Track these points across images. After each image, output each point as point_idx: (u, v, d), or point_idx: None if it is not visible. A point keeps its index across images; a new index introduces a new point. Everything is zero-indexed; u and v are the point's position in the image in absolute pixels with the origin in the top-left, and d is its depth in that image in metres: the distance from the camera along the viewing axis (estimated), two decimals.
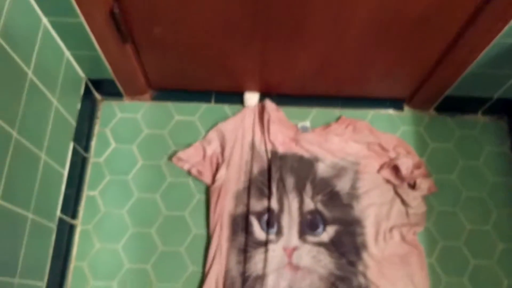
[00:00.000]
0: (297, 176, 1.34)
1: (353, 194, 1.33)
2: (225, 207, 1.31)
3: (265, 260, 1.24)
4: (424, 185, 1.32)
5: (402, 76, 1.34)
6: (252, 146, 1.38)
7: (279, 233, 1.27)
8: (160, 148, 1.41)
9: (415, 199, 1.31)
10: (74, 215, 1.32)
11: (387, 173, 1.35)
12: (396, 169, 1.33)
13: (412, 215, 1.31)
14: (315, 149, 1.38)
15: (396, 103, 1.48)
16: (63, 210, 1.25)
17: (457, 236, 1.33)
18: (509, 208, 1.36)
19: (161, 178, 1.37)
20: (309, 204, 1.31)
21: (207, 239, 1.31)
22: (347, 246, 1.27)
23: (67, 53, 1.22)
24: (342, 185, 1.34)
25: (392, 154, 1.37)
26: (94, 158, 1.40)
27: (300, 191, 1.32)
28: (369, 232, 1.29)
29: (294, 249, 1.25)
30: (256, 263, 1.24)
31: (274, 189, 1.31)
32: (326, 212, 1.30)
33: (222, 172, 1.34)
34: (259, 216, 1.29)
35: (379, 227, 1.30)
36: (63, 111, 1.22)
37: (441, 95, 1.38)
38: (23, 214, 1.04)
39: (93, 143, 1.42)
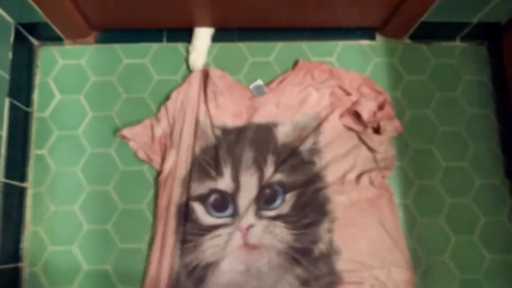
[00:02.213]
0: (256, 149, 1.21)
1: (315, 149, 1.23)
2: (172, 198, 1.19)
3: (217, 245, 1.14)
4: (389, 127, 1.22)
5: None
6: (196, 122, 1.23)
7: (235, 214, 1.17)
8: (110, 96, 1.28)
9: (381, 143, 1.22)
10: (22, 178, 1.21)
11: (348, 120, 1.25)
12: (357, 115, 1.23)
13: (381, 161, 1.23)
14: (272, 112, 1.25)
15: (368, 33, 1.34)
16: (9, 174, 1.15)
17: (432, 174, 1.27)
18: (486, 141, 1.29)
19: (114, 130, 1.26)
20: (269, 178, 1.19)
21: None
22: (309, 206, 1.18)
23: None
24: (305, 145, 1.23)
25: (354, 98, 1.26)
26: (38, 113, 1.27)
27: (260, 165, 1.20)
28: (333, 184, 1.20)
29: (249, 227, 1.15)
30: (204, 251, 1.14)
31: (225, 169, 1.19)
32: (285, 179, 1.20)
33: (170, 160, 1.20)
34: (203, 199, 1.18)
35: (344, 177, 1.21)
36: None
37: (416, 21, 1.24)
38: None
39: (35, 95, 1.27)
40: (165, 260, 1.15)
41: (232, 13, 1.24)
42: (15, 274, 1.16)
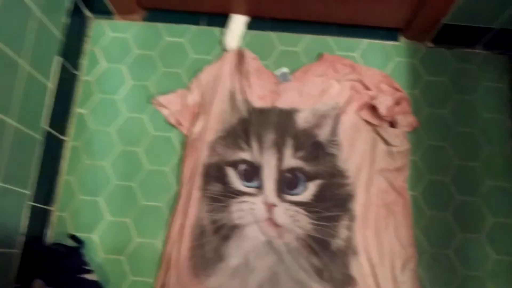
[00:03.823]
0: (277, 132, 1.29)
1: (335, 141, 1.29)
2: (199, 158, 1.28)
3: (242, 210, 1.22)
4: (404, 121, 1.29)
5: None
6: (231, 95, 1.33)
7: (260, 187, 1.24)
8: (149, 69, 1.41)
9: (396, 136, 1.28)
10: (62, 131, 1.34)
11: (366, 114, 1.32)
12: (375, 109, 1.30)
13: (396, 154, 1.28)
14: (295, 99, 1.33)
15: (391, 33, 1.43)
16: (51, 125, 1.27)
17: (444, 170, 1.32)
18: (500, 145, 1.34)
19: (149, 98, 1.38)
20: (289, 161, 1.27)
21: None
22: (331, 199, 1.24)
23: None
24: (324, 134, 1.29)
25: (373, 93, 1.32)
26: (84, 77, 1.40)
27: (279, 147, 1.27)
28: (355, 181, 1.26)
29: (272, 206, 1.23)
30: (232, 212, 1.23)
31: (254, 143, 1.27)
32: (308, 168, 1.26)
33: (198, 125, 1.31)
34: (235, 166, 1.27)
35: (365, 173, 1.27)
36: (46, 22, 1.21)
37: (437, 23, 1.32)
38: (4, 120, 1.06)
39: (84, 61, 1.42)
40: (190, 211, 1.24)
41: (265, 2, 1.35)
42: (45, 215, 1.28)
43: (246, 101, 1.32)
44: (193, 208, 1.24)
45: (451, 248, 1.25)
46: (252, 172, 1.26)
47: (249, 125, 1.29)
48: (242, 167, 1.27)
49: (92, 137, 1.35)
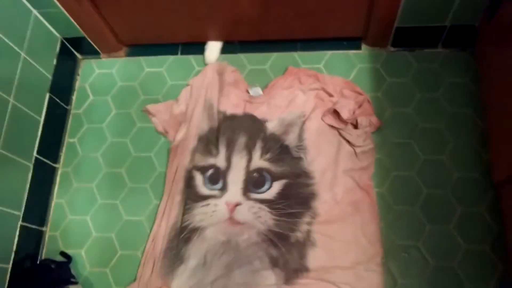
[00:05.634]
0: (248, 135, 1.38)
1: (301, 146, 1.36)
2: (182, 162, 1.38)
3: (205, 213, 1.29)
4: (365, 121, 1.33)
5: (345, 9, 1.36)
6: (208, 105, 1.43)
7: (223, 189, 1.32)
8: (131, 97, 1.54)
9: (359, 137, 1.33)
10: (56, 160, 1.48)
11: (329, 119, 1.38)
12: (337, 113, 1.35)
13: (360, 154, 1.33)
14: (263, 110, 1.42)
15: (354, 43, 1.50)
16: (45, 155, 1.42)
17: (410, 166, 1.33)
18: (466, 137, 1.34)
19: (131, 124, 1.50)
20: (256, 162, 1.34)
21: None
22: (294, 198, 1.29)
23: (35, 11, 1.38)
24: (291, 140, 1.36)
25: (335, 99, 1.39)
26: (74, 110, 1.56)
27: (249, 150, 1.36)
28: (320, 181, 1.31)
29: (237, 204, 1.29)
30: (195, 215, 1.30)
31: (221, 148, 1.36)
32: (274, 168, 1.33)
33: (181, 132, 1.42)
34: (203, 171, 1.35)
35: (330, 173, 1.32)
36: (35, 64, 1.38)
37: (391, 28, 1.38)
38: None
39: (74, 97, 1.58)
40: (172, 213, 1.32)
41: (227, 26, 1.48)
42: (38, 234, 1.39)
43: (220, 111, 1.42)
44: (174, 210, 1.33)
45: (420, 240, 1.25)
46: (217, 175, 1.34)
47: (219, 132, 1.38)
48: (209, 171, 1.35)
49: (80, 162, 1.48)
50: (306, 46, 1.52)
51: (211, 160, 1.36)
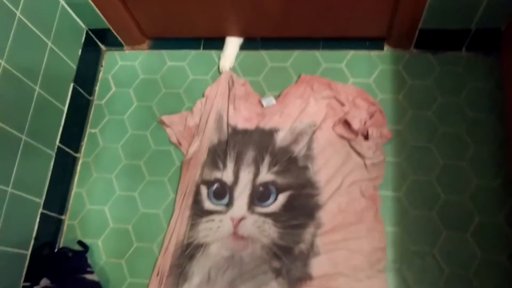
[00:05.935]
0: (257, 150, 1.37)
1: (309, 155, 1.35)
2: (193, 176, 1.38)
3: (209, 229, 1.30)
4: (375, 133, 1.32)
5: (370, 9, 1.35)
6: (218, 117, 1.43)
7: (229, 204, 1.32)
8: (153, 91, 1.56)
9: (369, 148, 1.32)
10: (77, 149, 1.51)
11: (340, 129, 1.36)
12: (348, 124, 1.34)
13: (370, 166, 1.31)
14: (276, 120, 1.41)
15: (376, 43, 1.48)
16: (67, 144, 1.45)
17: (429, 170, 1.32)
18: (487, 145, 1.32)
19: (152, 117, 1.52)
20: (263, 176, 1.34)
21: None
22: (299, 209, 1.29)
23: (62, 2, 1.40)
24: (299, 149, 1.36)
25: (347, 108, 1.37)
26: (97, 101, 1.58)
27: (257, 164, 1.35)
28: (324, 191, 1.30)
29: (241, 219, 1.29)
30: (199, 231, 1.31)
31: (229, 163, 1.36)
32: (280, 180, 1.33)
33: (194, 146, 1.41)
34: (209, 185, 1.35)
35: (335, 184, 1.31)
36: (61, 54, 1.41)
37: (415, 29, 1.36)
38: (16, 135, 1.24)
39: (97, 88, 1.60)
40: (181, 228, 1.33)
41: (250, 22, 1.47)
42: (58, 223, 1.42)
43: (228, 124, 1.42)
44: (183, 226, 1.33)
45: (436, 247, 1.24)
46: (223, 190, 1.34)
47: (228, 146, 1.38)
48: (215, 186, 1.35)
49: (100, 153, 1.51)
50: (328, 44, 1.51)
51: (217, 174, 1.36)
